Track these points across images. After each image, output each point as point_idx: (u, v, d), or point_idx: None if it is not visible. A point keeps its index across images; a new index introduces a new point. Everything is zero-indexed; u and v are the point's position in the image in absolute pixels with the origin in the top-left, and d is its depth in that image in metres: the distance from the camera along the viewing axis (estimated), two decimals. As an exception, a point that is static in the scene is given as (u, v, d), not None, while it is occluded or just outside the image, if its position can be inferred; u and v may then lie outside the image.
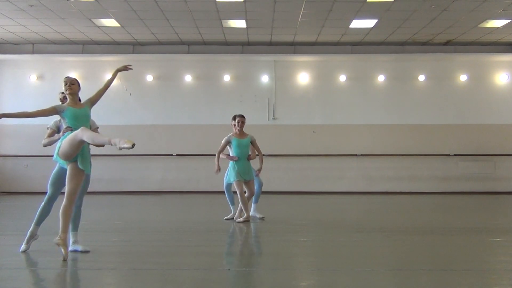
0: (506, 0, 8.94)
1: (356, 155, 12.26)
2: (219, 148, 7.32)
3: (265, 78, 12.38)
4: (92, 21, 10.27)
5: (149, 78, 12.36)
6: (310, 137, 12.36)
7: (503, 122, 12.35)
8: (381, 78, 12.39)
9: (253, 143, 7.33)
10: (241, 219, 7.10)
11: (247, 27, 10.71)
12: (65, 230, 4.82)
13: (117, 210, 9.42)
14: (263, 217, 7.47)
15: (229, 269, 4.42)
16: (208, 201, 10.65)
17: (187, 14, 9.79)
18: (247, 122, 13.34)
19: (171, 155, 12.24)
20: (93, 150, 12.74)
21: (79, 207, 5.59)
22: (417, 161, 12.29)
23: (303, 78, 12.40)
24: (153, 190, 12.19)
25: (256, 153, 7.42)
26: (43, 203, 5.42)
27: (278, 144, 12.21)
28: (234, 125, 7.29)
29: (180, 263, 4.70)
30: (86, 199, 10.59)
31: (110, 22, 10.38)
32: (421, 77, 12.40)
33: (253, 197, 7.48)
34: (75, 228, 5.41)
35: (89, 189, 12.04)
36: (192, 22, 10.31)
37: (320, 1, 9.00)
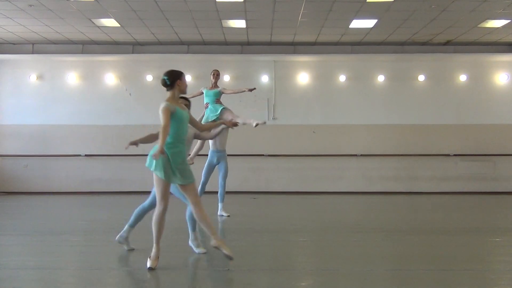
0: (506, 0, 8.93)
1: (355, 155, 12.25)
2: None
3: (265, 78, 12.38)
4: (92, 21, 10.27)
5: (149, 78, 12.35)
6: (309, 137, 12.35)
7: (503, 122, 12.34)
8: (381, 78, 12.39)
9: (224, 92, 8.04)
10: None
11: (247, 27, 10.71)
12: (214, 232, 4.64)
13: (117, 210, 9.42)
14: (228, 215, 8.01)
15: (228, 269, 4.41)
16: (209, 200, 10.62)
17: (186, 14, 9.79)
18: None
19: (171, 155, 12.22)
20: (94, 150, 12.71)
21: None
22: (417, 161, 12.29)
23: (303, 78, 12.40)
24: (153, 190, 12.17)
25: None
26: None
27: (278, 144, 12.21)
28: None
29: (180, 263, 4.70)
30: (86, 199, 10.60)
31: (110, 22, 10.38)
32: (421, 77, 12.40)
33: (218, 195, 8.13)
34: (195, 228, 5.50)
35: (88, 189, 12.03)
36: (192, 22, 10.31)
37: (320, 1, 8.99)
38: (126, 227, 5.24)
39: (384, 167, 12.28)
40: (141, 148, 12.85)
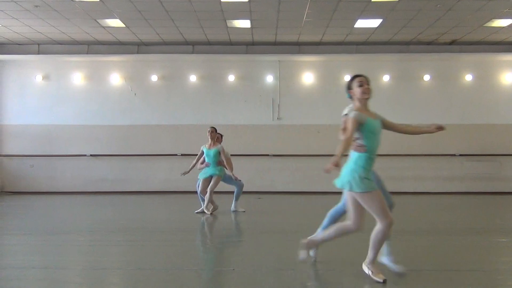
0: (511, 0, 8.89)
1: (360, 155, 12.21)
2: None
3: (269, 78, 12.38)
4: (97, 22, 10.30)
5: (154, 78, 12.38)
6: (314, 137, 12.33)
7: (509, 122, 12.28)
8: (386, 78, 12.35)
9: (220, 152, 8.12)
10: (198, 210, 8.16)
11: (251, 27, 10.71)
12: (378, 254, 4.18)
13: (122, 210, 9.45)
14: (244, 211, 8.42)
15: (233, 269, 4.42)
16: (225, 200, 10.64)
17: (191, 14, 9.80)
18: (251, 122, 13.23)
19: (176, 155, 12.25)
20: (100, 150, 12.74)
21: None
22: (422, 161, 12.25)
23: (308, 78, 12.39)
24: (158, 190, 12.21)
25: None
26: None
27: (283, 144, 12.20)
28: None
29: (184, 263, 4.70)
30: (90, 199, 10.62)
31: (115, 23, 10.41)
32: (426, 77, 12.36)
33: (234, 195, 8.47)
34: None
35: (94, 189, 12.04)
36: (197, 22, 10.32)
37: (325, 1, 8.98)
38: (319, 230, 4.78)
39: (390, 167, 12.23)
40: (145, 148, 12.92)
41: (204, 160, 8.25)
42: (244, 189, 12.17)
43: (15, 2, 9.01)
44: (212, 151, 8.09)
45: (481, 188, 12.16)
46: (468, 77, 12.32)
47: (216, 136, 8.23)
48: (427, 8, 9.38)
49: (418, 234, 6.32)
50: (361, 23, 10.39)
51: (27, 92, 12.43)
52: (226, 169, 8.19)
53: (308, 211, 8.77)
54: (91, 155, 12.25)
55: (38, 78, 12.40)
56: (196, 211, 8.25)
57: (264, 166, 12.26)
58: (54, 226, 7.06)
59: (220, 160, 8.11)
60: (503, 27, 10.61)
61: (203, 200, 8.21)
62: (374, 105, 13.81)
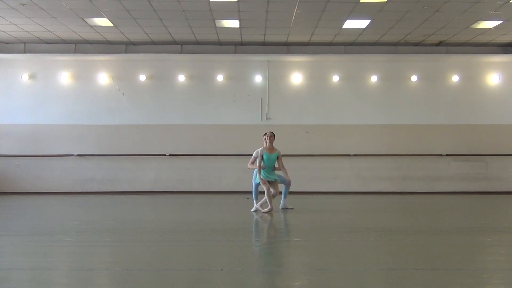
0: (497, 1, 9.00)
1: (349, 155, 12.29)
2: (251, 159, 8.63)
3: (258, 78, 12.38)
4: (85, 20, 10.23)
5: (142, 78, 12.32)
6: (303, 137, 12.37)
7: (495, 122, 12.43)
8: (374, 78, 12.43)
9: (279, 158, 8.55)
10: (266, 210, 8.23)
11: (240, 27, 10.71)
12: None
13: (110, 210, 9.38)
14: (292, 208, 8.65)
15: (222, 269, 4.41)
16: (201, 201, 10.64)
17: (180, 14, 9.77)
18: (240, 121, 13.34)
19: (164, 155, 12.21)
20: (87, 150, 12.65)
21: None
22: (410, 161, 12.34)
23: (297, 78, 12.42)
24: (146, 190, 12.16)
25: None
26: None
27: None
28: (265, 139, 8.59)
29: (173, 263, 4.69)
30: (78, 200, 10.59)
31: (103, 22, 10.34)
32: (414, 78, 12.46)
33: (282, 193, 8.66)
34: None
35: (81, 189, 12.09)
36: (185, 22, 10.29)
37: (313, 1, 9.01)
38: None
39: (378, 167, 12.32)
40: (134, 148, 12.87)
41: (254, 161, 8.56)
42: (233, 189, 12.23)
43: (1, 0, 8.90)
44: (274, 155, 8.50)
45: (468, 188, 12.30)
46: (455, 78, 12.45)
47: (273, 140, 8.59)
48: (414, 10, 9.45)
49: (405, 233, 6.36)
50: (349, 24, 10.45)
51: (13, 92, 12.30)
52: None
53: (296, 211, 8.78)
54: (78, 155, 12.16)
55: (25, 77, 12.27)
56: (264, 211, 8.31)
57: (253, 167, 12.24)
58: (41, 227, 7.00)
59: (276, 165, 8.57)
60: (489, 28, 10.73)
61: (257, 199, 8.62)
62: (362, 106, 13.99)
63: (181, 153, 12.28)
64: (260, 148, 8.56)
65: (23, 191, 11.95)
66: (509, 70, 12.47)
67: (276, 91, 12.43)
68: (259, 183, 8.41)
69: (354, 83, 12.45)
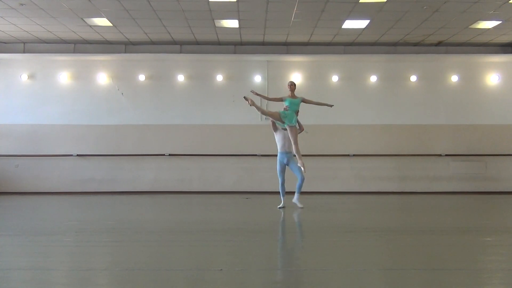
0: (497, 2, 9.01)
1: (348, 155, 12.30)
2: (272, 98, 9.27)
3: (258, 78, 12.39)
4: (84, 20, 10.22)
5: (142, 77, 12.32)
6: (302, 137, 12.29)
7: (494, 122, 12.44)
8: (373, 78, 12.44)
9: (304, 101, 9.01)
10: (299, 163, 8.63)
11: (239, 27, 10.71)
12: None
13: (109, 210, 9.38)
14: (302, 207, 8.81)
15: (221, 269, 4.41)
16: (200, 201, 10.64)
17: (179, 14, 9.77)
18: (239, 121, 13.45)
19: (164, 155, 12.21)
20: (86, 150, 12.63)
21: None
22: (409, 161, 12.35)
23: (296, 78, 12.41)
24: (146, 190, 12.16)
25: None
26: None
27: (271, 145, 12.15)
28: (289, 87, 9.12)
29: (172, 263, 4.69)
30: (77, 200, 10.56)
31: (102, 22, 10.34)
32: (413, 78, 12.47)
33: (296, 188, 8.89)
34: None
35: (81, 189, 12.05)
36: (185, 21, 10.29)
37: (313, 1, 9.01)
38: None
39: (377, 167, 12.33)
40: (133, 148, 12.87)
41: (276, 99, 9.23)
42: (233, 189, 12.23)
43: (0, 0, 8.90)
44: (296, 100, 8.98)
45: (467, 188, 12.31)
46: (454, 78, 12.46)
47: (294, 89, 9.18)
48: (414, 10, 9.46)
49: (404, 233, 6.36)
50: (348, 24, 10.45)
51: (12, 92, 12.29)
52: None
53: (295, 211, 8.78)
54: (77, 155, 12.16)
55: (24, 77, 12.27)
56: (279, 207, 8.81)
57: (253, 166, 12.27)
58: (40, 227, 6.99)
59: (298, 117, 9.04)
60: (489, 28, 10.74)
61: (284, 196, 8.93)
62: (361, 106, 13.97)
63: (180, 153, 12.28)
64: (284, 96, 9.08)
65: (22, 191, 11.94)
66: (508, 70, 12.48)
67: (275, 91, 12.38)
68: (283, 182, 8.93)
69: (353, 83, 12.45)
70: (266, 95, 9.05)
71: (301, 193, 8.95)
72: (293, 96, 9.05)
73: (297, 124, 8.87)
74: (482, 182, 12.37)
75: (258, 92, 9.22)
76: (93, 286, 4.07)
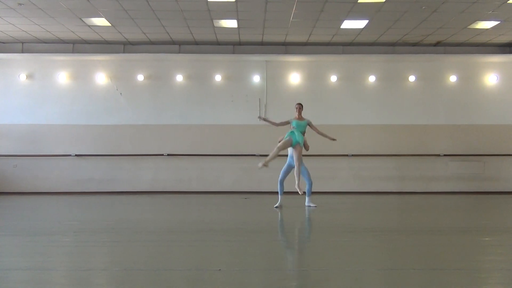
0: (495, 2, 9.02)
1: (347, 155, 12.30)
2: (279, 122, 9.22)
3: (256, 78, 12.39)
4: (83, 20, 10.21)
5: (140, 77, 12.31)
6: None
7: (492, 122, 12.46)
8: (372, 78, 12.45)
9: (310, 125, 9.07)
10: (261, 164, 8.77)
11: (238, 27, 10.71)
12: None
13: (108, 210, 9.37)
14: (316, 206, 8.96)
15: (220, 269, 4.41)
16: (199, 201, 10.64)
17: (178, 14, 9.76)
18: (238, 121, 13.47)
19: (162, 155, 12.20)
20: (85, 150, 12.62)
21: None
22: (408, 161, 12.37)
23: (295, 78, 12.42)
24: (144, 190, 12.15)
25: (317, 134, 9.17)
26: None
27: (270, 144, 12.15)
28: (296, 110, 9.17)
29: (171, 263, 4.69)
30: (76, 200, 10.56)
31: (101, 21, 10.33)
32: (412, 78, 12.48)
33: (306, 191, 9.01)
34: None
35: (79, 189, 12.04)
36: (184, 21, 10.29)
37: (312, 1, 9.02)
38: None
39: (376, 167, 12.34)
40: (132, 148, 12.85)
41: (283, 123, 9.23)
42: (232, 189, 12.22)
43: (-2, 0, 8.88)
44: (303, 122, 9.09)
45: (465, 188, 12.32)
46: (453, 78, 12.48)
47: (302, 111, 9.24)
48: (412, 10, 9.47)
49: (403, 233, 6.37)
50: (347, 24, 10.46)
51: (10, 91, 12.28)
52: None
53: (294, 211, 8.78)
54: (76, 155, 12.15)
55: (22, 77, 12.25)
56: (275, 206, 8.96)
57: (252, 166, 12.24)
58: (39, 227, 6.99)
59: (305, 143, 9.12)
60: (487, 29, 10.76)
61: (282, 195, 9.08)
62: (360, 106, 13.99)
63: (179, 153, 12.28)
64: (291, 118, 9.19)
65: (21, 191, 11.93)
66: (506, 70, 12.50)
67: (274, 91, 12.44)
68: (283, 179, 9.08)
69: (352, 83, 12.46)
70: (273, 121, 9.15)
71: (301, 193, 8.97)
72: (300, 118, 9.11)
73: (303, 142, 8.99)
74: (481, 182, 12.39)
75: (265, 118, 9.34)
76: (92, 286, 4.06)
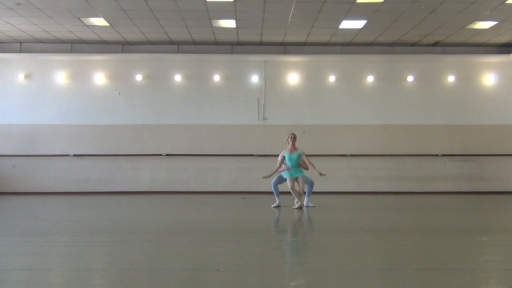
0: (493, 2, 9.03)
1: (345, 155, 12.31)
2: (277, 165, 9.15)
3: (255, 78, 12.39)
4: (81, 20, 10.20)
5: (139, 77, 12.30)
6: (299, 137, 12.29)
7: (491, 122, 12.48)
8: (370, 78, 12.45)
9: (302, 157, 9.05)
10: (296, 206, 8.87)
11: (237, 27, 10.71)
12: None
13: (106, 210, 9.36)
14: (314, 206, 9.13)
15: (218, 269, 4.41)
16: (197, 201, 10.63)
17: (176, 14, 9.76)
18: (236, 122, 13.47)
19: (161, 155, 12.20)
20: (83, 150, 12.59)
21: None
22: (406, 161, 12.38)
23: (293, 78, 12.42)
24: (143, 190, 12.14)
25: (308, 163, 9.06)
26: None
27: (268, 144, 12.21)
28: (288, 141, 9.16)
29: (169, 263, 4.68)
30: (73, 200, 10.56)
31: (99, 21, 10.32)
32: (410, 78, 12.49)
33: (306, 192, 9.15)
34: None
35: (77, 189, 12.05)
36: (182, 21, 10.28)
37: (310, 1, 9.02)
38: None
39: (374, 167, 12.35)
40: (130, 148, 12.83)
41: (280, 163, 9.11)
42: (230, 189, 12.22)
43: (-4, -1, 8.87)
44: (294, 155, 9.02)
45: (464, 188, 12.34)
46: (451, 78, 12.49)
47: (295, 141, 9.16)
48: (411, 10, 9.48)
49: (401, 233, 6.38)
50: (345, 24, 10.46)
51: (8, 91, 12.26)
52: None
53: (292, 211, 8.78)
54: (74, 155, 12.13)
55: (20, 77, 12.23)
56: (273, 206, 9.13)
57: (250, 166, 12.27)
58: (37, 227, 6.98)
59: (301, 162, 9.05)
60: (485, 29, 10.77)
61: (278, 196, 9.21)
62: (358, 106, 13.97)
63: (177, 153, 12.27)
64: (284, 150, 9.18)
65: (19, 191, 11.91)
66: (504, 70, 12.52)
67: (272, 91, 12.44)
68: (276, 181, 9.17)
69: (350, 83, 12.47)
70: (276, 169, 9.09)
71: (301, 193, 8.99)
72: (293, 149, 9.07)
73: (304, 164, 9.05)
74: (479, 182, 12.40)
75: (269, 174, 9.10)
76: (90, 286, 4.06)
